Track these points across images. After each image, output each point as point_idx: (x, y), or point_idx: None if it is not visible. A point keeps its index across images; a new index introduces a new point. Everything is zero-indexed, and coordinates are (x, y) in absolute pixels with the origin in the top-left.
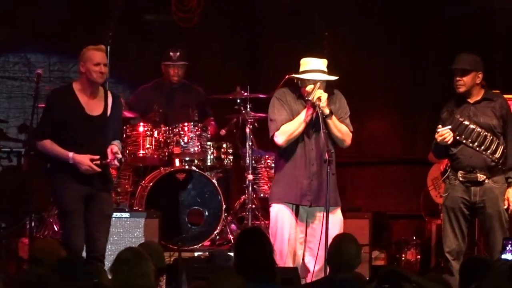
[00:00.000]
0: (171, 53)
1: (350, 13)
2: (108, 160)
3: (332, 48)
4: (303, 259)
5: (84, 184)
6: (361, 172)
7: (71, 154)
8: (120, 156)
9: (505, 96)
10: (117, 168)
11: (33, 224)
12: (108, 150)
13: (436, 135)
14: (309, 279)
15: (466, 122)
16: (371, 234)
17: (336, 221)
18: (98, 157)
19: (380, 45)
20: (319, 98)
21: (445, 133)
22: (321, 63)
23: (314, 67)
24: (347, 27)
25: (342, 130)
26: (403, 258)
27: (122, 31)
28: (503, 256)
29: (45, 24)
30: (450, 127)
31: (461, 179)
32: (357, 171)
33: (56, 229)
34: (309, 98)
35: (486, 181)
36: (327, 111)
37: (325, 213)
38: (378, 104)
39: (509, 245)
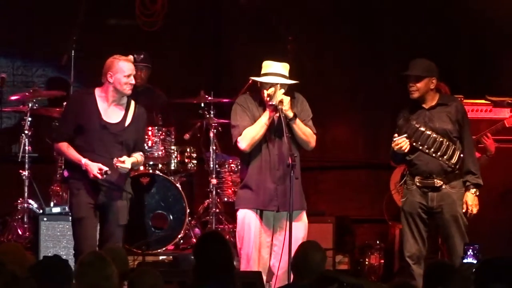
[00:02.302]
0: (134, 56)
1: (313, 18)
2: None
3: (295, 52)
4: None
5: (98, 193)
6: (324, 176)
7: (84, 160)
8: (124, 166)
9: (469, 100)
10: None
11: None
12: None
13: (393, 144)
14: (273, 283)
15: (422, 128)
16: (335, 239)
17: (301, 226)
18: (106, 169)
19: (342, 49)
20: (281, 102)
21: (400, 142)
22: (282, 67)
23: (274, 70)
24: (310, 32)
25: (306, 132)
26: (366, 263)
27: (85, 36)
28: (465, 261)
29: (9, 28)
30: (406, 135)
31: (418, 184)
32: (320, 175)
33: (20, 233)
34: (272, 103)
35: (443, 187)
36: (290, 114)
37: (289, 217)
38: (341, 108)
39: (470, 250)
